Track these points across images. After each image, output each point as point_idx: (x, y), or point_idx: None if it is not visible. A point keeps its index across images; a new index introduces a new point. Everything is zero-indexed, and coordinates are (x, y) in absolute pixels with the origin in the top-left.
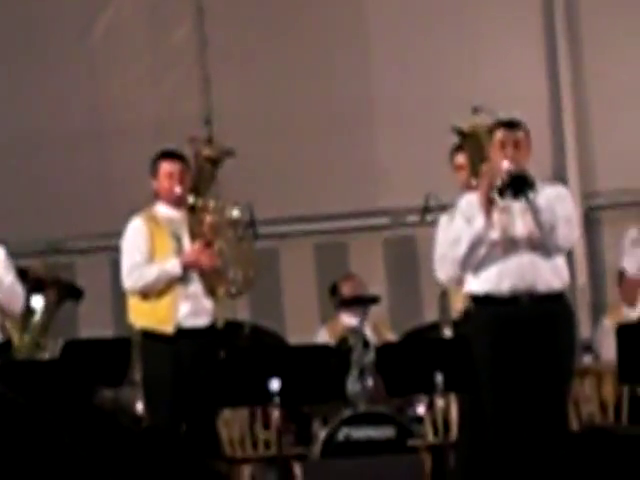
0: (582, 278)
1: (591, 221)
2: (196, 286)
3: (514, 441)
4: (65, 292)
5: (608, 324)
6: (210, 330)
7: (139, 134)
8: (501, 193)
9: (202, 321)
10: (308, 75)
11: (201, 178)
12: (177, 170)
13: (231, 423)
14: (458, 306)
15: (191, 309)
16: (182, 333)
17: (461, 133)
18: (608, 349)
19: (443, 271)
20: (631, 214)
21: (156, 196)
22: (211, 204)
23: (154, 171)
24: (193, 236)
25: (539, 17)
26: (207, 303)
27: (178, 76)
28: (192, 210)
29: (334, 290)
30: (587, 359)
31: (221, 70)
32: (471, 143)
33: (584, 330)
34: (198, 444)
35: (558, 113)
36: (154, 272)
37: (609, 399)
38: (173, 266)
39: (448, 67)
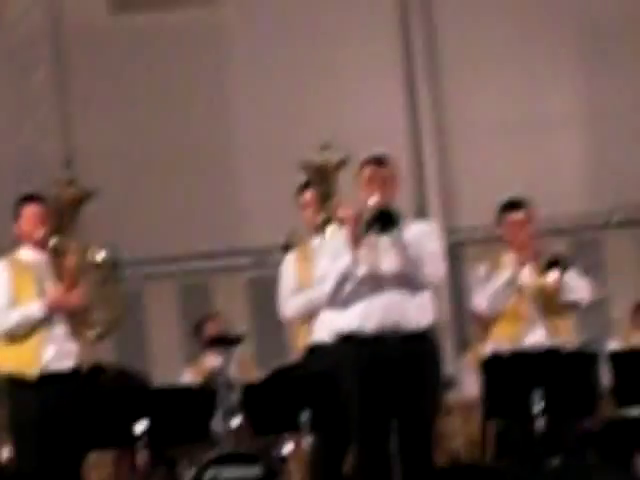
0: (445, 314)
1: (454, 257)
2: (61, 328)
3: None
4: None
5: (471, 360)
6: (75, 374)
7: (1, 179)
8: (368, 228)
9: (67, 364)
10: (169, 114)
11: (63, 220)
12: (38, 212)
13: (97, 466)
14: (302, 343)
15: (56, 352)
16: (47, 378)
17: (310, 170)
18: (471, 385)
19: (289, 308)
20: (493, 250)
21: (19, 240)
22: (74, 245)
23: (16, 215)
24: (57, 278)
25: (398, 54)
26: (72, 346)
27: (38, 120)
28: (55, 252)
29: (198, 329)
30: (452, 395)
31: (82, 112)
32: (320, 180)
33: (448, 366)
34: None
35: (419, 150)
36: (14, 317)
37: (474, 434)
38: (34, 309)
39: (308, 105)
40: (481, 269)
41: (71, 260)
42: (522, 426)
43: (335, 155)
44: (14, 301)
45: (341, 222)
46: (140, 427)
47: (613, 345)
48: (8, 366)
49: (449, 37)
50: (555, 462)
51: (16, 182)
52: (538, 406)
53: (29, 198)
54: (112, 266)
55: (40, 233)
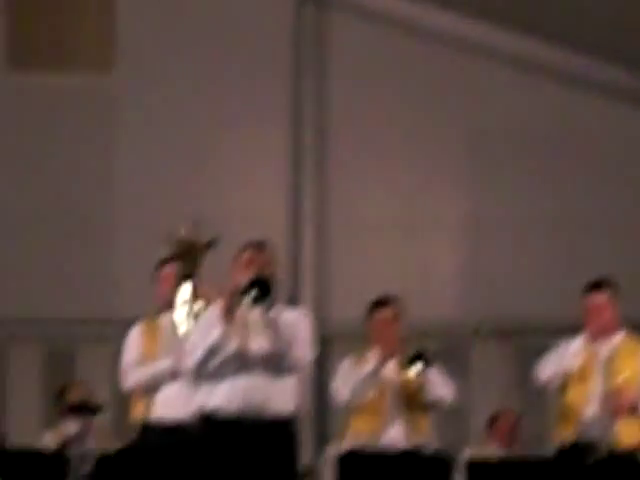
0: (307, 405)
1: (322, 348)
2: None
3: None
4: None
5: (330, 453)
6: None
7: None
8: (242, 295)
9: None
10: (55, 175)
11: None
12: None
13: None
14: (138, 414)
15: None
16: None
17: (178, 244)
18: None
19: (131, 379)
20: (361, 344)
21: None
22: None
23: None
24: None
25: (287, 141)
26: None
27: None
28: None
29: (60, 395)
30: None
31: None
32: (185, 256)
33: (306, 457)
34: None
35: (297, 238)
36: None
37: None
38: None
39: (193, 182)
40: (346, 361)
41: None
42: None
43: (205, 234)
44: None
45: (206, 301)
46: None
47: (469, 453)
48: None
49: (339, 130)
50: None
51: None
52: None
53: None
54: None
55: None
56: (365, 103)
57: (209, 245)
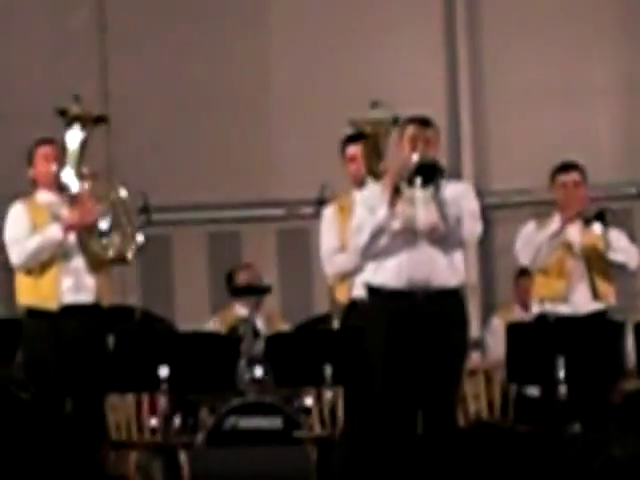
0: (473, 277)
1: (484, 220)
2: (78, 261)
3: (402, 434)
4: None
5: (497, 323)
6: (94, 309)
7: (37, 117)
8: (410, 181)
9: (84, 297)
10: (207, 61)
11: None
12: (51, 152)
13: (118, 408)
14: (342, 298)
15: (73, 284)
16: (65, 311)
17: (358, 127)
18: (496, 348)
19: (333, 266)
20: (523, 214)
21: (34, 184)
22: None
23: (30, 159)
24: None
25: (439, 11)
26: (89, 279)
27: (76, 60)
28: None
29: (230, 278)
30: (475, 357)
31: (119, 54)
32: (368, 137)
33: (474, 329)
34: (84, 425)
35: (455, 111)
36: (35, 241)
37: (496, 397)
38: (53, 230)
39: (346, 59)
40: (529, 225)
41: (85, 187)
42: (544, 392)
43: (386, 113)
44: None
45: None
46: (163, 372)
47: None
48: (28, 299)
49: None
50: (574, 429)
51: (52, 121)
52: (560, 372)
53: (42, 141)
54: (141, 210)
55: (54, 168)
56: None
57: (393, 124)
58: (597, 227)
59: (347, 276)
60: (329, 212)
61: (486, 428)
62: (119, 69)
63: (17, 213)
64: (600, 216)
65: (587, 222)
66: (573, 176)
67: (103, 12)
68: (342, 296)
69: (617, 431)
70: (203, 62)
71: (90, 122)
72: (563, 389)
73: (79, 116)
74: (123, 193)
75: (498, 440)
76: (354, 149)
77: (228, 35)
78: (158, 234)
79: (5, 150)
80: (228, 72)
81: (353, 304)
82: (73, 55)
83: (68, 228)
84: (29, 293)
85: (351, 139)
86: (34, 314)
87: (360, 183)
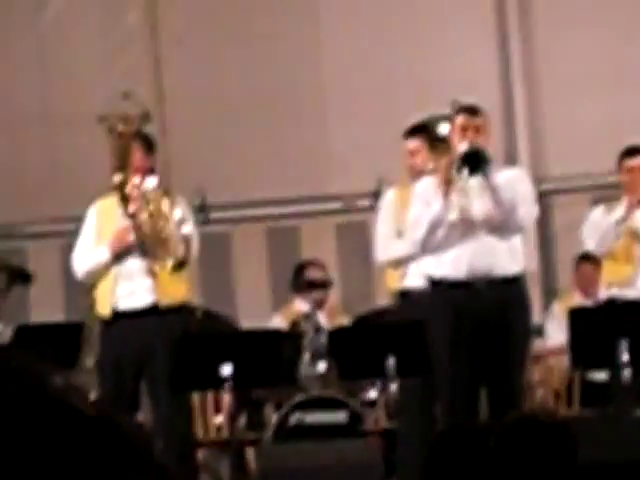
0: (533, 263)
1: (542, 206)
2: (134, 264)
3: (467, 424)
4: (15, 276)
5: (558, 310)
6: (152, 310)
7: (90, 118)
8: (459, 170)
9: (141, 300)
10: (260, 59)
11: (122, 155)
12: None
13: None
14: (393, 285)
15: (129, 289)
16: (120, 315)
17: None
18: (557, 335)
19: (385, 254)
20: (581, 199)
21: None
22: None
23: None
24: (124, 212)
25: (491, 2)
26: (146, 282)
27: (129, 60)
28: (120, 187)
29: (297, 274)
30: (538, 344)
31: (173, 54)
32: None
33: (535, 315)
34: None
35: (509, 97)
36: (86, 264)
37: (560, 384)
38: (101, 253)
39: (399, 50)
40: (596, 210)
41: (135, 192)
42: (608, 377)
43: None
44: (102, 240)
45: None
46: (227, 369)
47: None
48: (96, 306)
49: None
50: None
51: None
52: (624, 357)
53: None
54: (199, 209)
55: (115, 177)
56: None
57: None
58: None
59: (400, 264)
60: (388, 198)
61: (527, 420)
62: (173, 68)
63: (87, 218)
64: None
65: None
66: (638, 160)
67: (154, 11)
68: (393, 283)
69: None
70: (256, 59)
71: (131, 127)
72: (627, 372)
73: (116, 127)
74: (179, 198)
75: (538, 431)
76: (413, 143)
77: (280, 30)
78: (217, 232)
79: (62, 152)
80: (282, 68)
81: (406, 293)
82: (126, 55)
83: (113, 245)
84: (96, 301)
85: (411, 133)
86: (99, 322)
87: (418, 176)
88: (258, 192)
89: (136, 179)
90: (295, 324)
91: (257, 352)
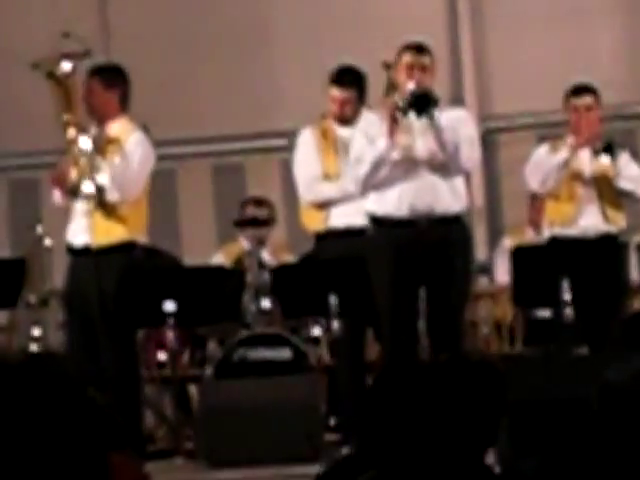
0: (479, 200)
1: (488, 144)
2: (81, 205)
3: (410, 362)
4: None
5: (508, 245)
6: (85, 251)
7: (34, 54)
8: (405, 111)
9: (78, 241)
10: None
11: (64, 98)
12: None
13: None
14: (314, 226)
15: (72, 228)
16: (73, 252)
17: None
18: (504, 272)
19: (317, 194)
20: (526, 137)
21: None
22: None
23: None
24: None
25: None
26: (82, 222)
27: None
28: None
29: (241, 209)
30: (483, 281)
31: None
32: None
33: (481, 253)
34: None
35: (455, 35)
36: None
37: (504, 321)
38: None
39: None
40: (541, 148)
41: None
42: (551, 314)
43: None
44: None
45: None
46: (169, 306)
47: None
48: None
49: None
50: (582, 351)
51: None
52: (566, 295)
53: None
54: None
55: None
56: None
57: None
58: (605, 159)
59: (328, 205)
60: (306, 136)
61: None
62: (119, 5)
63: None
64: (608, 148)
65: (596, 153)
66: (585, 100)
67: None
68: (314, 224)
69: (619, 352)
70: None
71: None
72: (569, 311)
73: (52, 72)
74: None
75: (506, 365)
76: (343, 94)
77: None
78: (162, 168)
79: (12, 90)
80: (229, 7)
81: (330, 233)
82: None
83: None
84: None
85: (342, 81)
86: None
87: (342, 122)
88: (203, 128)
89: (71, 132)
90: (238, 261)
91: (200, 289)
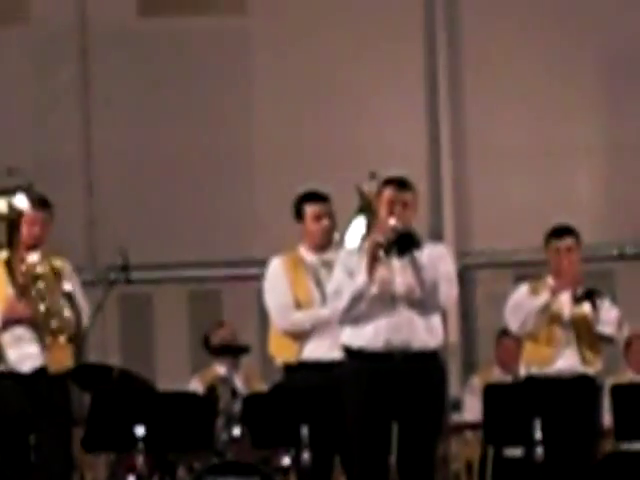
0: (454, 336)
1: (464, 280)
2: (24, 332)
3: None
4: None
5: (477, 383)
6: (40, 374)
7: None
8: (387, 251)
9: (27, 367)
10: (190, 121)
11: (13, 231)
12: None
13: (95, 467)
14: (286, 357)
15: (18, 355)
16: (14, 377)
17: (363, 196)
18: (475, 408)
19: (292, 322)
20: (504, 275)
21: None
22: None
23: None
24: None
25: (422, 72)
26: (33, 348)
27: (60, 117)
28: (7, 264)
29: (207, 338)
30: (455, 417)
31: (103, 113)
32: (367, 207)
33: (454, 388)
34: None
35: (436, 172)
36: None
37: (474, 458)
38: None
39: (329, 118)
40: (522, 288)
41: (23, 268)
42: (522, 454)
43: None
44: None
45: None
46: (140, 431)
47: (612, 380)
48: None
49: (472, 61)
50: None
51: (33, 177)
52: (538, 434)
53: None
54: (121, 269)
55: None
56: (501, 32)
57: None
58: (586, 307)
59: (302, 336)
60: (278, 265)
61: None
62: (101, 128)
63: None
64: (589, 295)
65: (577, 301)
66: (567, 241)
67: (87, 72)
68: (285, 355)
69: None
70: (185, 121)
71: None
72: (540, 450)
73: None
74: (58, 263)
75: None
76: (317, 208)
77: (210, 95)
78: (138, 292)
79: None
80: (211, 131)
81: (302, 365)
82: (57, 113)
83: (5, 319)
84: None
85: (309, 198)
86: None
87: (321, 244)
88: (181, 254)
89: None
90: (212, 388)
91: (171, 415)
